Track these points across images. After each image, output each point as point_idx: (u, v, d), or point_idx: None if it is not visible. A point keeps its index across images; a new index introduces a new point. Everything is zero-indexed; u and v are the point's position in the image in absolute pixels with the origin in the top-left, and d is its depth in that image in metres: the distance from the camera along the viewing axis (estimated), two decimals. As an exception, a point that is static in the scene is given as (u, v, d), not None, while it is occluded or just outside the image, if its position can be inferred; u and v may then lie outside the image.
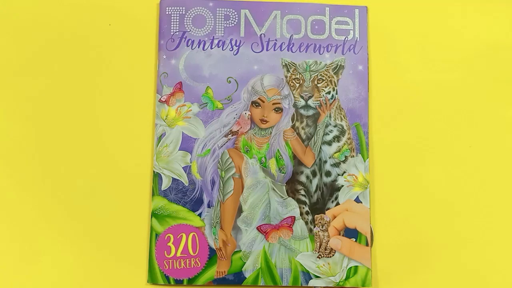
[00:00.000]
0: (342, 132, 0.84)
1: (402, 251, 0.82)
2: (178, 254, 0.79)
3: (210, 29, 0.86)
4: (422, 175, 0.84)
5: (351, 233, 0.81)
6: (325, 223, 0.81)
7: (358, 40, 0.87)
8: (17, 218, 0.81)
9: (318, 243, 0.81)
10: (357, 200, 0.83)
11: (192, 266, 0.79)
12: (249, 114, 0.84)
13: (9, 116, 0.83)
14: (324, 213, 0.82)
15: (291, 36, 0.86)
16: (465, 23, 0.88)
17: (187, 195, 0.81)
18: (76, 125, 0.84)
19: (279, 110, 0.84)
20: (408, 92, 0.87)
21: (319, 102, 0.84)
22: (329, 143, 0.84)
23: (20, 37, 0.85)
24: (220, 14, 0.86)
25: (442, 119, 0.86)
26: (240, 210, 0.82)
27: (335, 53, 0.86)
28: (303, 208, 0.82)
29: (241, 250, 0.80)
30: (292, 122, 0.84)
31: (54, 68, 0.85)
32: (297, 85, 0.85)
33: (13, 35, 0.85)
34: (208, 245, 0.80)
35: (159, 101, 0.83)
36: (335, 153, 0.84)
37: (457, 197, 0.83)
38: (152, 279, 0.79)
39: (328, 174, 0.84)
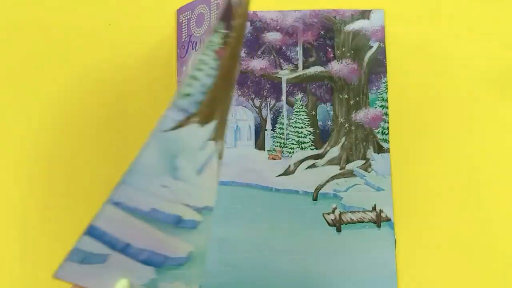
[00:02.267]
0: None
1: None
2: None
3: (208, 25, 0.85)
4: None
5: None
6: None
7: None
8: (18, 216, 0.84)
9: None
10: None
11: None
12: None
13: (14, 115, 0.88)
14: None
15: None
16: (481, 25, 0.89)
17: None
18: (100, 139, 0.89)
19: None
20: (426, 94, 0.87)
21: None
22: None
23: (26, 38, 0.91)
24: (213, 5, 0.84)
25: (455, 122, 0.87)
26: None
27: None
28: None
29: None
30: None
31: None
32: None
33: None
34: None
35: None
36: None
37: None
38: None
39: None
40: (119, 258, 0.56)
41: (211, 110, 0.57)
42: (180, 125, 0.56)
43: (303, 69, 0.90)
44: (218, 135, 0.59)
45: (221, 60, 0.56)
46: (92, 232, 0.55)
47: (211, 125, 0.58)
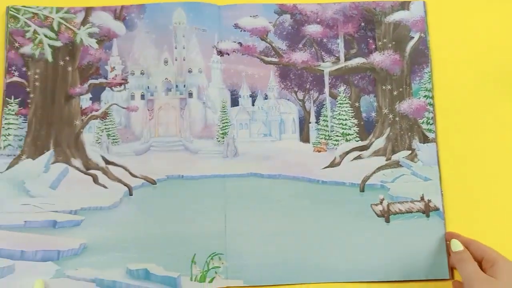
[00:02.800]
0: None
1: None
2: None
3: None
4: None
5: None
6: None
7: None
8: None
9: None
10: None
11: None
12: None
13: None
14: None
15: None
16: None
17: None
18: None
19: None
20: (472, 84, 0.88)
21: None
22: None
23: None
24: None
25: (503, 110, 0.88)
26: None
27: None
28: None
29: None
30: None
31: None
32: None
33: None
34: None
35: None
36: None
37: None
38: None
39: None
40: (23, 264, 0.79)
41: (37, 147, 0.86)
42: (12, 164, 0.86)
43: (345, 61, 0.90)
44: (63, 157, 0.86)
45: (29, 115, 0.87)
46: None
47: (46, 154, 0.86)
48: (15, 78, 0.88)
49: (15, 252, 0.80)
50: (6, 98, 0.88)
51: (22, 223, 0.82)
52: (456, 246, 0.75)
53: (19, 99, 0.88)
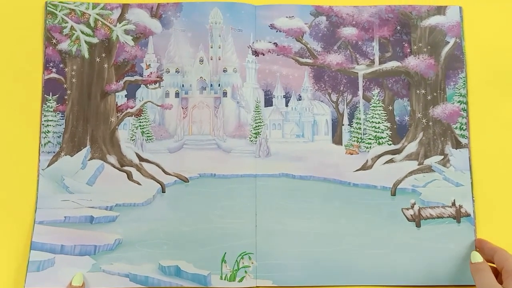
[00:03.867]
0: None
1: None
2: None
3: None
4: None
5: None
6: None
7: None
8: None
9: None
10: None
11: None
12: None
13: None
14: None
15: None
16: None
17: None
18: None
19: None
20: (507, 90, 0.88)
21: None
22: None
23: None
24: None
25: None
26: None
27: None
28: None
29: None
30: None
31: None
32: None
33: None
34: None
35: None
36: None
37: None
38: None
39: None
40: (62, 258, 0.83)
41: (75, 143, 0.88)
42: (52, 161, 0.88)
43: (379, 64, 0.90)
44: (99, 153, 0.88)
45: (66, 111, 0.88)
46: (34, 246, 0.83)
47: (83, 151, 0.88)
48: (53, 75, 0.89)
49: (56, 246, 0.83)
50: (45, 95, 0.88)
51: (62, 218, 0.85)
52: (475, 258, 0.76)
53: (57, 95, 0.88)
